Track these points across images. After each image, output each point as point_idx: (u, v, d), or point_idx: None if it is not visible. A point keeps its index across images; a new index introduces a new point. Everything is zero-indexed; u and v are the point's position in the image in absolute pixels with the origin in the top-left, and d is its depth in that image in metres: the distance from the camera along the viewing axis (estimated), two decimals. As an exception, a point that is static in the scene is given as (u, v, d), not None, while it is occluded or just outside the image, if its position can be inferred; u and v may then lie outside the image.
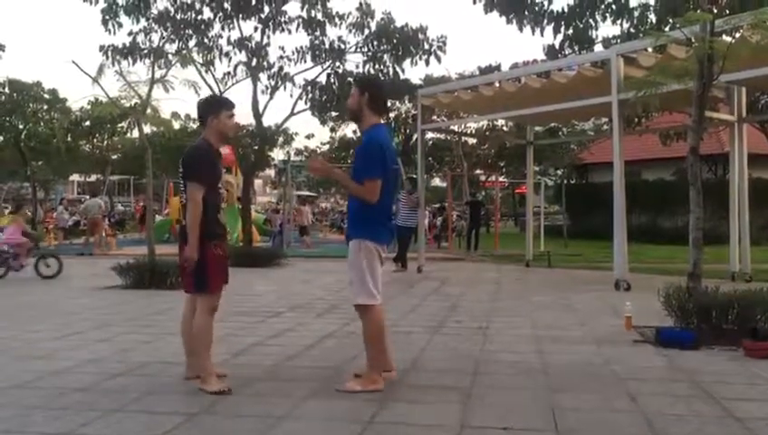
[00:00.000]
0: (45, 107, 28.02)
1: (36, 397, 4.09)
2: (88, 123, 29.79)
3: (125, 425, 3.58)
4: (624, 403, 3.96)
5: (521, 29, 13.10)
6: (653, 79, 6.85)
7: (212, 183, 4.32)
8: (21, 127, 27.03)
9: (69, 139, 29.18)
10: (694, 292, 6.00)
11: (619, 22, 12.83)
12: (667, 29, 10.92)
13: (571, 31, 12.94)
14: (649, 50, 9.59)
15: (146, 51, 14.63)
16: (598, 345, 5.70)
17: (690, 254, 6.37)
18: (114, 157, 37.00)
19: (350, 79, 15.36)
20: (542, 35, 13.02)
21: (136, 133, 19.51)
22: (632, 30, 12.65)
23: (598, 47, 13.06)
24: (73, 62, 10.86)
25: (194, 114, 5.01)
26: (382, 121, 4.41)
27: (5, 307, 8.26)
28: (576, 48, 13.12)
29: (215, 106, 4.54)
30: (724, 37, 7.36)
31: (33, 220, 25.99)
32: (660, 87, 6.74)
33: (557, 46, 13.19)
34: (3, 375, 4.63)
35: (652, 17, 12.65)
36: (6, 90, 27.14)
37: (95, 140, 33.09)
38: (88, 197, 28.82)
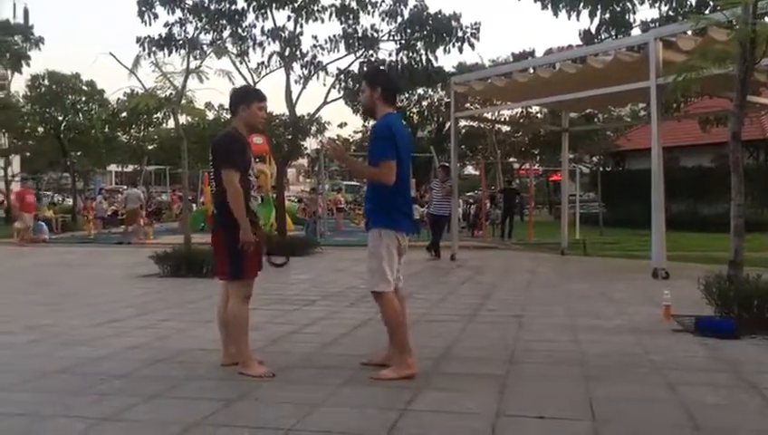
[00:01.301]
0: (84, 98, 28.52)
1: (78, 382, 4.19)
2: (125, 114, 30.28)
3: (164, 411, 3.64)
4: (663, 393, 3.90)
5: (556, 14, 12.91)
6: (693, 63, 6.69)
7: (243, 169, 4.36)
8: (60, 118, 27.55)
9: (106, 130, 29.70)
10: (735, 280, 5.88)
11: (657, 5, 12.58)
12: (707, 11, 10.65)
13: (607, 15, 12.71)
14: (689, 33, 9.36)
15: (181, 41, 14.80)
16: (636, 334, 5.62)
17: (731, 241, 6.23)
18: (150, 147, 37.61)
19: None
20: (577, 20, 12.85)
21: (171, 124, 19.78)
22: (671, 13, 12.38)
23: (635, 31, 12.82)
24: (111, 53, 11.17)
25: (227, 104, 5.07)
26: (393, 111, 4.41)
27: (47, 296, 8.46)
28: (613, 32, 12.88)
29: (247, 96, 4.58)
30: (767, 19, 7.15)
31: (73, 210, 26.57)
32: (700, 71, 6.58)
33: (593, 31, 12.99)
34: (46, 360, 4.75)
35: (691, -1, 12.38)
36: (46, 82, 27.73)
37: (132, 131, 33.67)
38: (126, 187, 29.37)
